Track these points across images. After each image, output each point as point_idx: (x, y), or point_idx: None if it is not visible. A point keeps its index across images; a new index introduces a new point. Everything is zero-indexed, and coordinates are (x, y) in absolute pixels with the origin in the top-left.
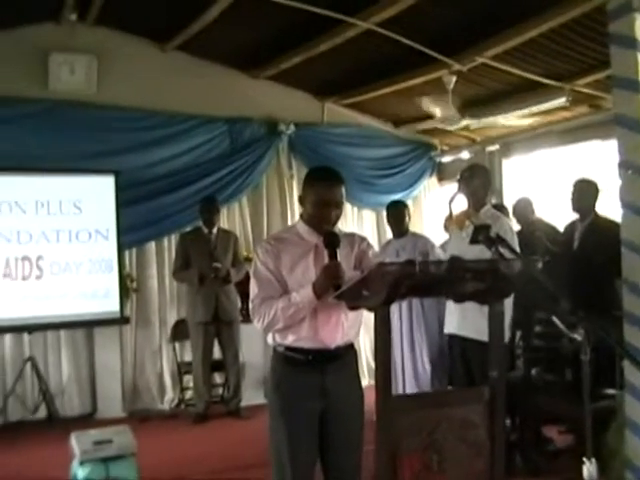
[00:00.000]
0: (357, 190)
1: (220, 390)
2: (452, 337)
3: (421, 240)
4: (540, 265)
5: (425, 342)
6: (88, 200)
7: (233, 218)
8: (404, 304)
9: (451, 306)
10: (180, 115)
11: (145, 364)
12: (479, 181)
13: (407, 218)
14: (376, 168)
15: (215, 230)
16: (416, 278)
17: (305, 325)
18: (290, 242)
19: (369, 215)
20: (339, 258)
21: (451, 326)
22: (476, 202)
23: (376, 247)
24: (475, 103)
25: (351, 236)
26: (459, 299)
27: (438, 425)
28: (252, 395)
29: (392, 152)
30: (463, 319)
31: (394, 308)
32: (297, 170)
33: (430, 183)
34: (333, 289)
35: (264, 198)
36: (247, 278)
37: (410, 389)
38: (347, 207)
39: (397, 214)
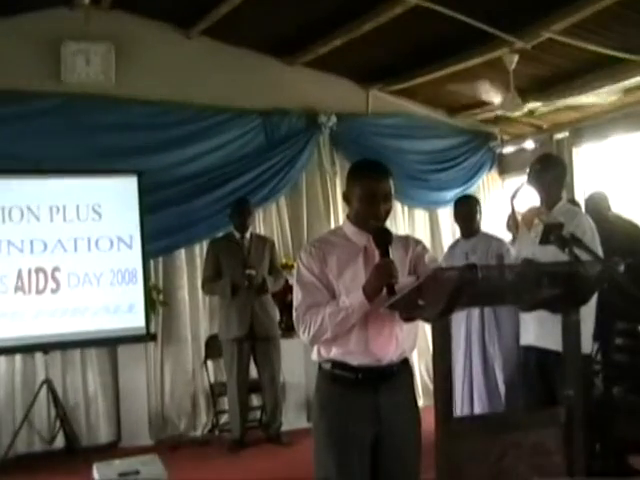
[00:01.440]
0: (408, 187)
1: (258, 414)
2: (528, 349)
3: (495, 241)
4: (622, 268)
5: (499, 357)
6: (108, 204)
7: (270, 221)
8: (475, 312)
9: (525, 315)
10: (209, 108)
11: (174, 386)
12: (553, 174)
13: (478, 215)
14: (429, 162)
15: (248, 235)
16: (479, 285)
17: (354, 336)
18: (337, 245)
19: (421, 215)
20: (392, 258)
21: (527, 337)
22: (549, 198)
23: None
24: (541, 85)
25: (405, 239)
26: (530, 307)
27: (506, 451)
28: (294, 419)
29: (446, 144)
30: (541, 328)
31: (461, 318)
32: (340, 166)
33: (489, 178)
34: (387, 291)
35: (304, 198)
36: (287, 288)
37: (481, 411)
38: (397, 206)
39: (467, 211)
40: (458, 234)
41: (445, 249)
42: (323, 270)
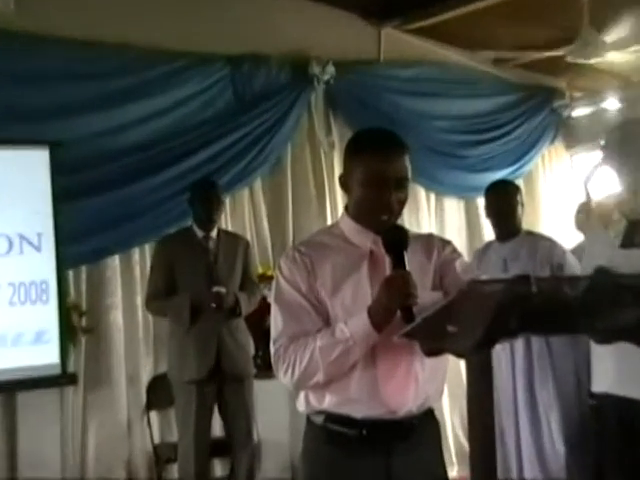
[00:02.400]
0: (434, 166)
1: None
2: (603, 398)
3: (543, 244)
4: None
5: (556, 406)
6: (5, 188)
7: (241, 214)
8: (519, 345)
9: (599, 349)
10: (155, 53)
11: (101, 448)
12: None
13: (519, 209)
14: (464, 131)
15: (215, 233)
16: (534, 304)
17: (357, 378)
18: (332, 249)
19: (453, 207)
20: (408, 267)
21: (602, 380)
22: (636, 182)
23: (467, 256)
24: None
25: (427, 239)
26: (606, 338)
27: None
28: None
29: (490, 104)
30: (622, 368)
31: (501, 352)
32: (339, 137)
33: (552, 152)
34: (402, 315)
35: (288, 182)
36: (264, 308)
37: (532, 477)
38: (419, 194)
39: (503, 202)
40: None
41: None
42: (312, 285)
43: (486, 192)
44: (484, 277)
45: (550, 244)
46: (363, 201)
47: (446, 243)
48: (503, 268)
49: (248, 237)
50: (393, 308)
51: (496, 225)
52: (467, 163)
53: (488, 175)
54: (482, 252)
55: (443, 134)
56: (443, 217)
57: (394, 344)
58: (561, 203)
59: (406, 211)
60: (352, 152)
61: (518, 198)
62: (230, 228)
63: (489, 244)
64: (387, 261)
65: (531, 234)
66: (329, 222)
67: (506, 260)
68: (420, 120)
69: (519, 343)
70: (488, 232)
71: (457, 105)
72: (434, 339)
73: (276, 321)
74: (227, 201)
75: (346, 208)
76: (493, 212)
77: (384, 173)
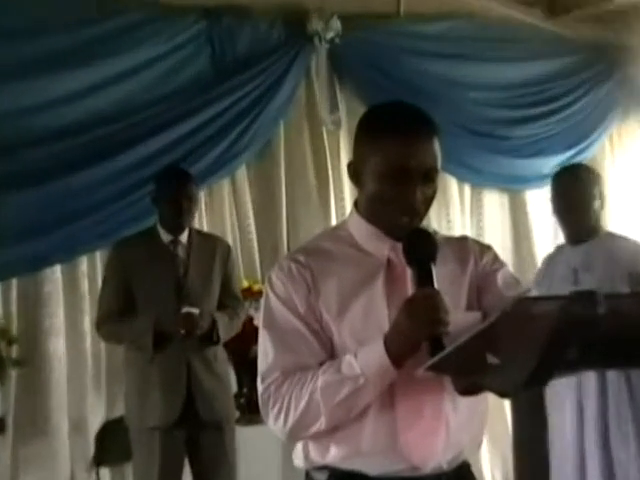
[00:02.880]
0: (468, 150)
1: None
2: None
3: (626, 248)
4: None
5: (637, 466)
6: None
7: (221, 211)
8: (590, 381)
9: None
10: (106, 2)
11: None
12: None
13: (597, 202)
14: (508, 104)
15: (186, 237)
16: (602, 329)
17: (370, 425)
18: (337, 258)
19: (494, 202)
20: (437, 285)
21: None
22: None
23: (512, 266)
24: None
25: (460, 244)
26: None
27: None
28: None
29: (542, 69)
30: None
31: (564, 390)
32: (347, 113)
33: (622, 131)
34: (429, 345)
35: (281, 170)
36: (250, 333)
37: None
38: (448, 186)
39: (573, 193)
40: (561, 237)
41: (539, 263)
42: (312, 305)
43: (553, 180)
44: (534, 293)
45: (636, 249)
46: (379, 197)
47: (485, 249)
48: (573, 280)
49: (230, 241)
50: (417, 338)
51: (564, 224)
52: (512, 146)
53: (539, 161)
54: (550, 259)
55: (480, 108)
56: (481, 216)
57: (418, 380)
58: (635, 195)
59: (434, 209)
60: (365, 134)
61: (595, 189)
62: (206, 229)
63: (560, 249)
64: (409, 275)
65: (611, 235)
66: (334, 223)
67: (577, 270)
68: (450, 90)
69: (590, 379)
70: (541, 236)
71: (498, 71)
72: (470, 373)
73: (265, 351)
74: (202, 196)
75: (356, 205)
76: (560, 206)
77: (407, 163)
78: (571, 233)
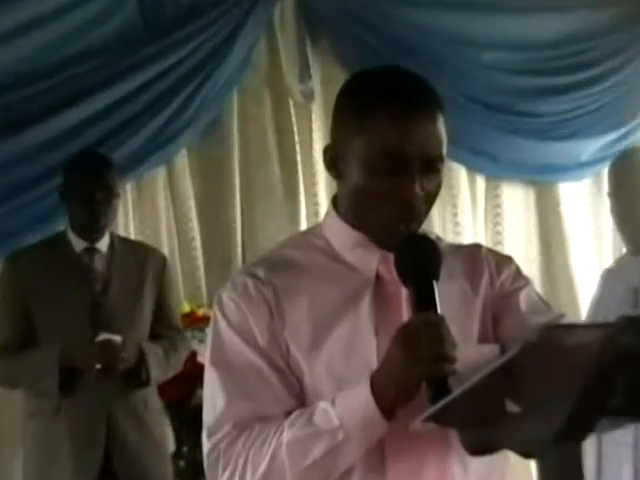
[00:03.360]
0: (481, 130)
1: None
2: None
3: None
4: None
5: None
6: None
7: (153, 210)
8: None
9: None
10: None
11: None
12: None
13: None
14: (533, 70)
15: (106, 244)
16: None
17: None
18: (309, 272)
19: (517, 199)
20: (440, 309)
21: None
22: None
23: (539, 283)
24: None
25: (471, 255)
26: None
27: None
28: None
29: (577, 24)
30: None
31: (617, 450)
32: (323, 79)
33: None
34: (429, 389)
35: (234, 156)
36: (193, 371)
37: None
38: (455, 177)
39: (633, 190)
40: (608, 247)
41: (576, 279)
42: (276, 334)
43: (610, 170)
44: (569, 319)
45: None
46: (366, 193)
47: (504, 261)
48: (633, 302)
49: (165, 250)
50: (415, 380)
51: (625, 229)
52: (539, 125)
53: (574, 145)
54: (609, 274)
55: (497, 75)
56: (499, 217)
57: (415, 435)
58: None
59: (437, 208)
60: (348, 110)
61: None
62: (133, 235)
63: (620, 261)
64: (404, 295)
65: None
66: (304, 226)
67: (638, 290)
68: (458, 52)
69: None
70: (578, 242)
71: (520, 25)
72: (483, 426)
73: (213, 396)
74: (128, 190)
75: (334, 203)
76: (619, 206)
77: (404, 148)
78: (634, 241)
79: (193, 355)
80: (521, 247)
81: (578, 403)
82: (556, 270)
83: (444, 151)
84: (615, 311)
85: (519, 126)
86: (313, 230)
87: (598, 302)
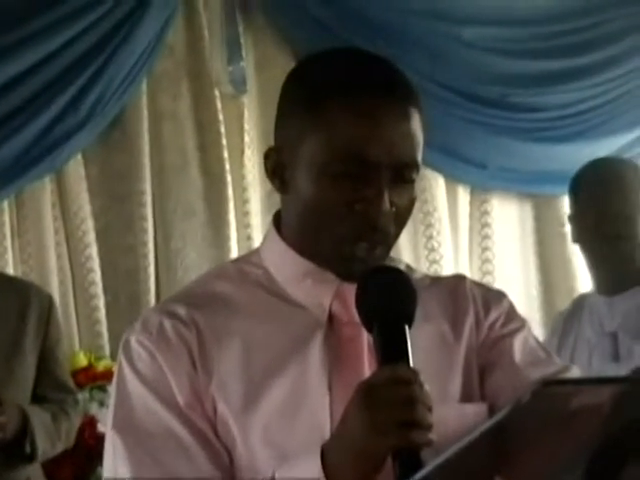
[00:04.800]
0: (465, 130)
1: None
2: None
3: None
4: None
5: None
6: None
7: (37, 234)
8: None
9: None
10: None
11: None
12: None
13: None
14: (530, 51)
15: None
16: None
17: None
18: (242, 310)
19: (510, 217)
20: (413, 360)
21: None
22: None
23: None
24: None
25: (451, 287)
26: None
27: None
28: None
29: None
30: None
31: None
32: (258, 64)
33: None
34: (396, 468)
35: (144, 162)
36: (90, 441)
37: None
38: (431, 189)
39: (621, 209)
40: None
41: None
42: (198, 391)
43: (572, 186)
44: (573, 370)
45: None
46: (319, 209)
47: (494, 297)
48: (611, 349)
49: (54, 287)
50: (378, 452)
51: (596, 261)
52: (536, 123)
53: (580, 148)
54: (568, 319)
55: (481, 57)
56: (488, 240)
57: None
58: None
59: (409, 229)
60: (299, 103)
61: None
62: (12, 268)
63: (582, 300)
64: (365, 341)
65: None
66: (234, 254)
67: (616, 335)
68: (430, 25)
69: None
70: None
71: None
72: None
73: (115, 469)
74: (5, 209)
75: (277, 222)
76: (588, 231)
77: (369, 152)
78: (604, 277)
79: (91, 423)
80: (516, 278)
81: (586, 477)
82: (560, 306)
83: (419, 156)
84: (586, 361)
85: (512, 124)
86: (248, 258)
87: (558, 351)
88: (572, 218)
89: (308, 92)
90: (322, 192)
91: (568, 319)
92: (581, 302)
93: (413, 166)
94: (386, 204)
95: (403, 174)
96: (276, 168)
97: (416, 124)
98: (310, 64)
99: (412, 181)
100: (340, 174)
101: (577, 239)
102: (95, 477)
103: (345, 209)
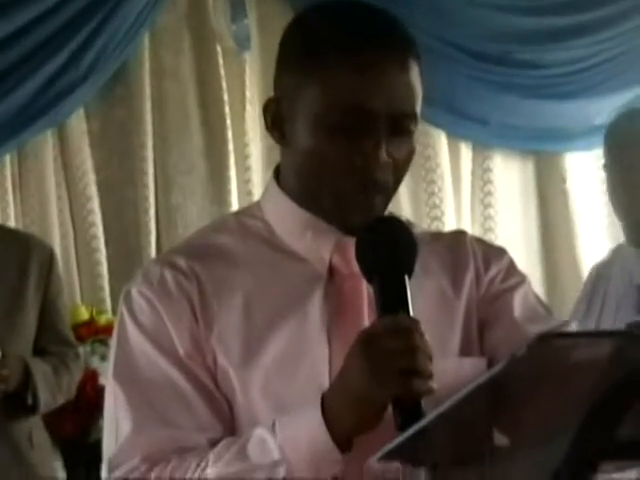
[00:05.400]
0: (467, 86)
1: None
2: None
3: None
4: None
5: None
6: None
7: (39, 188)
8: None
9: None
10: None
11: None
12: None
13: None
14: (534, 6)
15: None
16: None
17: None
18: (243, 262)
19: (513, 174)
20: (413, 311)
21: None
22: None
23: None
24: None
25: (453, 244)
26: None
27: None
28: None
29: None
30: None
31: None
32: (261, 21)
33: None
34: (396, 417)
35: (146, 117)
36: (91, 393)
37: None
38: (433, 145)
39: (636, 156)
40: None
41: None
42: (199, 342)
43: (607, 137)
44: (573, 326)
45: None
46: (319, 160)
47: (494, 253)
48: (636, 302)
49: (55, 240)
50: (378, 401)
51: (625, 214)
52: (540, 79)
53: (584, 104)
54: (600, 270)
55: (485, 13)
56: (490, 197)
57: (378, 472)
58: None
59: (409, 184)
60: (296, 55)
61: None
62: (13, 221)
63: (617, 254)
64: (365, 292)
65: None
66: (236, 205)
67: None
68: None
69: None
70: (590, 229)
71: None
72: (461, 464)
73: (117, 419)
74: (7, 163)
75: (277, 175)
76: (620, 185)
77: (367, 102)
78: (637, 228)
79: (92, 376)
80: (518, 235)
81: (581, 433)
82: (561, 263)
83: (418, 108)
84: (613, 312)
85: (515, 80)
86: (249, 210)
87: (589, 301)
88: (605, 167)
89: (306, 43)
90: (320, 144)
91: (601, 268)
92: (614, 254)
93: (411, 117)
94: (384, 155)
95: (401, 125)
96: (275, 120)
97: (415, 75)
98: (308, 15)
99: (410, 133)
100: (337, 125)
101: (608, 189)
102: (97, 430)
103: (343, 161)
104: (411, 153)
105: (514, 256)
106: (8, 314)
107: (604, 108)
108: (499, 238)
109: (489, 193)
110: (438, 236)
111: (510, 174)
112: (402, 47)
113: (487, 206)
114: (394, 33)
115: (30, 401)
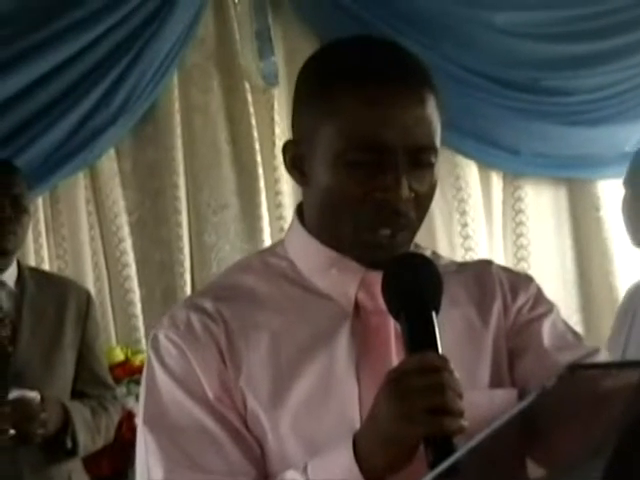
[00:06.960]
0: (496, 115)
1: None
2: None
3: None
4: None
5: None
6: None
7: (73, 229)
8: None
9: None
10: None
11: None
12: None
13: None
14: (563, 34)
15: (13, 276)
16: None
17: None
18: (269, 302)
19: (544, 203)
20: (442, 347)
21: None
22: None
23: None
24: None
25: (478, 272)
26: None
27: None
28: None
29: None
30: None
31: None
32: (289, 55)
33: None
34: (427, 454)
35: (177, 156)
36: (129, 437)
37: None
38: (463, 175)
39: None
40: None
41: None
42: (228, 385)
43: (634, 162)
44: (604, 355)
45: None
46: (339, 197)
47: (521, 282)
48: None
49: (90, 283)
50: (410, 440)
51: None
52: (570, 106)
53: (615, 131)
54: (634, 296)
55: (513, 42)
56: (523, 226)
57: None
58: None
59: (439, 216)
60: (313, 92)
61: None
62: (47, 264)
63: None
64: (393, 329)
65: None
66: (268, 243)
67: None
68: (462, 12)
69: None
70: (627, 257)
71: None
72: None
73: (148, 465)
74: (39, 205)
75: (300, 213)
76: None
77: (383, 137)
78: None
79: (129, 417)
80: (551, 264)
81: (614, 463)
82: (597, 291)
83: (437, 140)
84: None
85: (545, 108)
86: (273, 249)
87: (629, 326)
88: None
89: (321, 81)
90: (340, 181)
91: (635, 295)
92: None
93: (430, 149)
94: (405, 190)
95: (420, 158)
96: (295, 160)
97: (431, 107)
98: (322, 53)
99: (431, 165)
100: (356, 162)
101: (626, 213)
102: (133, 471)
103: (364, 196)
104: (433, 185)
105: (549, 285)
106: (46, 358)
107: (635, 133)
108: (532, 267)
109: (521, 222)
110: (464, 266)
111: (542, 202)
112: (416, 80)
113: (519, 236)
114: (407, 66)
115: (69, 445)
